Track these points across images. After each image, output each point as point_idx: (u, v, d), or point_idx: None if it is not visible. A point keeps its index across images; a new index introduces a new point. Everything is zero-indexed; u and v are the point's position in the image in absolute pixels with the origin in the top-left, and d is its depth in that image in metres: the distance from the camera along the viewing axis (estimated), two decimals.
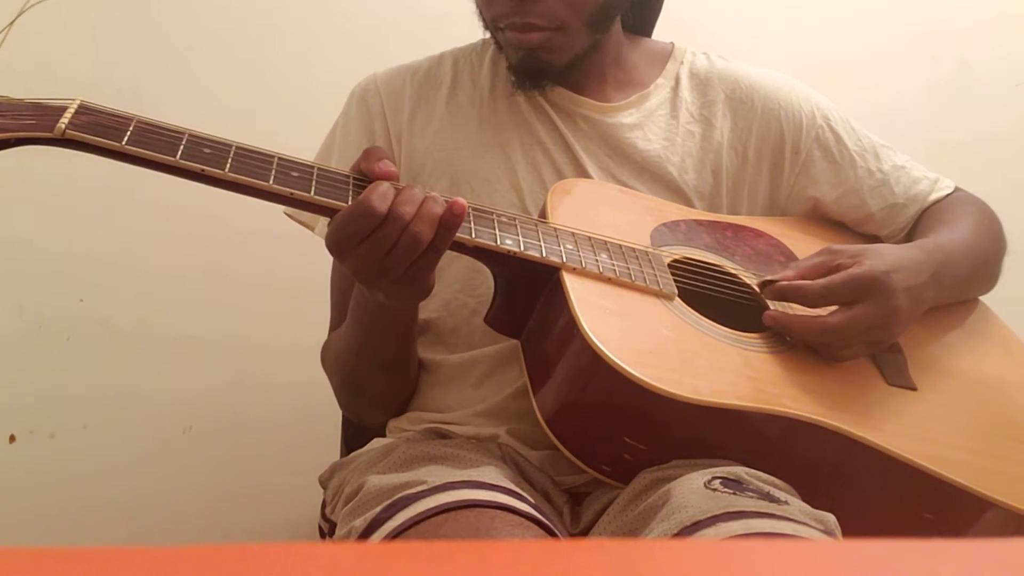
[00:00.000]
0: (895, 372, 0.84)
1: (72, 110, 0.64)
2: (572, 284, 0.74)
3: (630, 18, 0.98)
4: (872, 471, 0.76)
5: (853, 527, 0.68)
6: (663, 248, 0.84)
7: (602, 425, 0.74)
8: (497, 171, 0.90)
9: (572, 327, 0.71)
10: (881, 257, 0.80)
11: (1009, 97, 1.59)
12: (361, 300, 0.81)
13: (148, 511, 1.34)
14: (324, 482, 0.89)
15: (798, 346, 0.81)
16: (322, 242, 0.93)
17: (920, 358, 0.87)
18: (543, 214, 0.82)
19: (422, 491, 0.68)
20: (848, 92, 1.35)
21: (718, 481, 0.67)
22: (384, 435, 0.92)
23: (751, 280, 0.86)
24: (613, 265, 0.77)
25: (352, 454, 0.89)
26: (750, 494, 0.66)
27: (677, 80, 0.96)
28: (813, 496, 0.71)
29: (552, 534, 0.67)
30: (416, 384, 0.91)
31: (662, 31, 1.03)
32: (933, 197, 0.98)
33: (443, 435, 0.85)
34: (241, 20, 1.35)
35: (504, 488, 0.69)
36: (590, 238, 0.79)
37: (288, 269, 1.32)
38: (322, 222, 0.92)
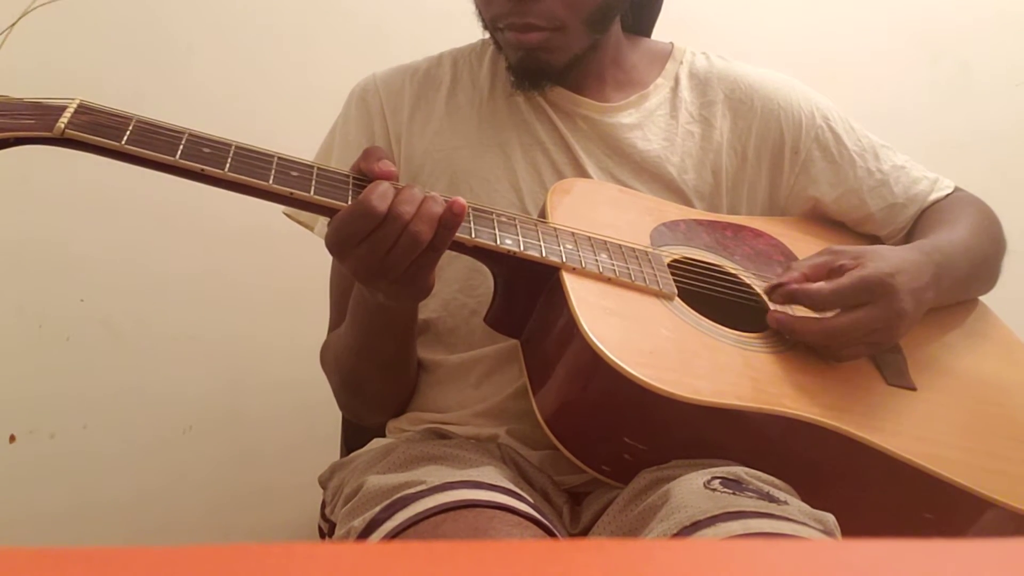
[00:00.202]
0: (895, 372, 0.84)
1: (71, 110, 0.64)
2: (572, 284, 0.74)
3: (629, 18, 0.98)
4: (872, 471, 0.76)
5: (853, 527, 0.68)
6: (663, 248, 0.84)
7: (602, 425, 0.74)
8: (496, 171, 0.90)
9: (572, 327, 0.71)
10: (885, 259, 0.80)
11: (1009, 97, 1.59)
12: (360, 300, 0.81)
13: (148, 511, 1.34)
14: (324, 482, 0.89)
15: (798, 346, 0.81)
16: (322, 242, 0.93)
17: (920, 358, 0.87)
18: (543, 214, 0.82)
19: (421, 491, 0.68)
20: (848, 92, 1.35)
21: (718, 481, 0.67)
22: (384, 435, 0.92)
23: (751, 280, 0.86)
24: (613, 265, 0.77)
25: (352, 454, 0.89)
26: (750, 494, 0.66)
27: (677, 80, 0.96)
28: (813, 496, 0.71)
29: (551, 534, 0.67)
30: (415, 384, 0.91)
31: (662, 31, 1.03)
32: (933, 197, 0.98)
33: (443, 435, 0.85)
34: (241, 20, 1.35)
35: (503, 488, 0.69)
36: (590, 238, 0.79)
37: (288, 269, 1.32)
38: (321, 222, 0.92)
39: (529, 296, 0.78)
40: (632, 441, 0.73)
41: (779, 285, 0.80)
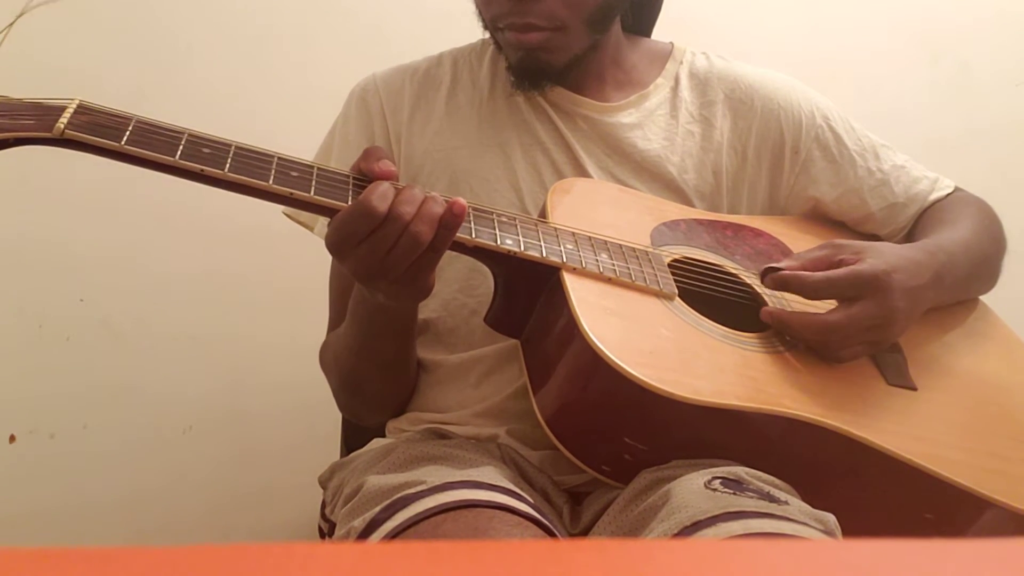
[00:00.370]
0: (895, 372, 0.84)
1: (71, 110, 0.63)
2: (572, 284, 0.74)
3: (629, 18, 0.98)
4: (872, 471, 0.76)
5: (853, 527, 0.68)
6: (663, 248, 0.84)
7: (602, 425, 0.74)
8: (496, 171, 0.90)
9: (572, 327, 0.71)
10: (883, 256, 0.80)
11: (1009, 97, 1.59)
12: (360, 300, 0.81)
13: (148, 511, 1.34)
14: (324, 482, 0.89)
15: (798, 346, 0.81)
16: (322, 242, 0.93)
17: (920, 358, 0.87)
18: (543, 214, 0.82)
19: (421, 491, 0.68)
20: (848, 92, 1.35)
21: (718, 481, 0.67)
22: (384, 435, 0.92)
23: (751, 280, 0.86)
24: (613, 265, 0.77)
25: (352, 454, 0.89)
26: (750, 494, 0.66)
27: (677, 80, 0.96)
28: (813, 496, 0.70)
29: (551, 534, 0.67)
30: (415, 384, 0.91)
31: (662, 31, 1.03)
32: (933, 197, 0.98)
33: (442, 435, 0.85)
34: (241, 19, 1.35)
35: (503, 488, 0.69)
36: (590, 238, 0.79)
37: (288, 268, 1.32)
38: (321, 222, 0.92)
39: (529, 296, 0.78)
40: (632, 441, 0.73)
41: (774, 269, 0.80)
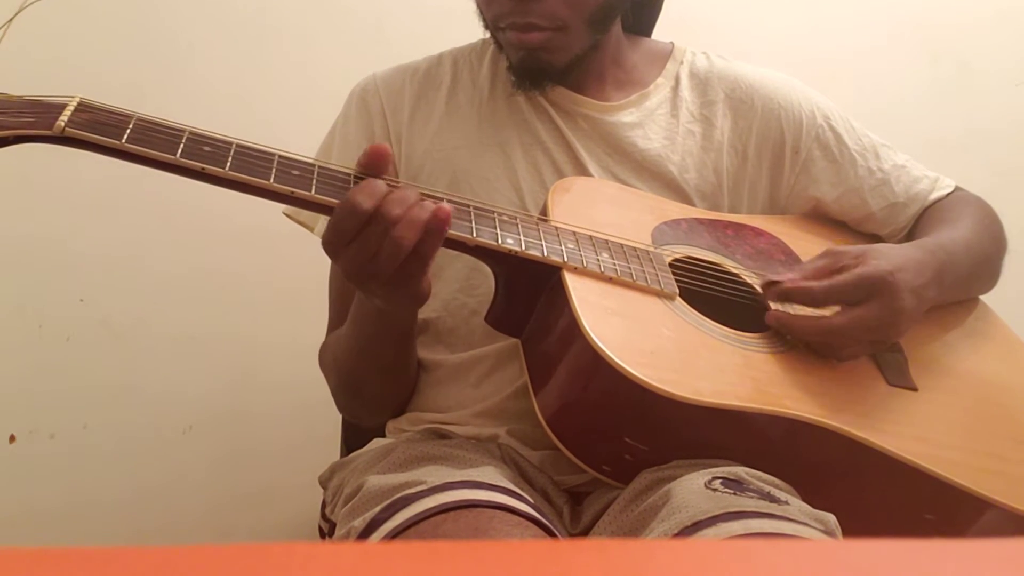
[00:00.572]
0: (896, 372, 0.84)
1: (71, 108, 0.63)
2: (573, 284, 0.74)
3: (630, 18, 0.98)
4: (872, 472, 0.76)
5: (853, 528, 0.68)
6: (664, 247, 0.84)
7: (603, 425, 0.74)
8: (497, 170, 0.90)
9: (573, 327, 0.71)
10: (885, 257, 0.80)
11: (1009, 97, 1.60)
12: (360, 303, 0.81)
13: (148, 510, 1.34)
14: (324, 482, 0.89)
15: (799, 346, 0.81)
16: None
17: (921, 358, 0.87)
18: (544, 213, 0.82)
19: (421, 491, 0.68)
20: (848, 91, 1.35)
21: (718, 481, 0.67)
22: (384, 435, 0.92)
23: (752, 279, 0.86)
24: (614, 264, 0.77)
25: (352, 454, 0.89)
26: (750, 494, 0.66)
27: (677, 80, 0.96)
28: (813, 497, 0.70)
29: (551, 534, 0.67)
30: (415, 385, 0.91)
31: (662, 31, 1.03)
32: (934, 196, 0.98)
33: (443, 435, 0.85)
34: (242, 18, 1.35)
35: (503, 488, 0.69)
36: (591, 237, 0.79)
37: (288, 268, 1.32)
38: (322, 222, 0.92)
39: (530, 295, 0.78)
40: (633, 441, 0.73)
41: (775, 283, 0.80)
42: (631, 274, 0.77)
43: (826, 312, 0.80)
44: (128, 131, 0.64)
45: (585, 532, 0.76)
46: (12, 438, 1.28)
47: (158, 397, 1.34)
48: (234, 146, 0.67)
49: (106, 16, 1.28)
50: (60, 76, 1.22)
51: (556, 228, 0.78)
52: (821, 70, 1.32)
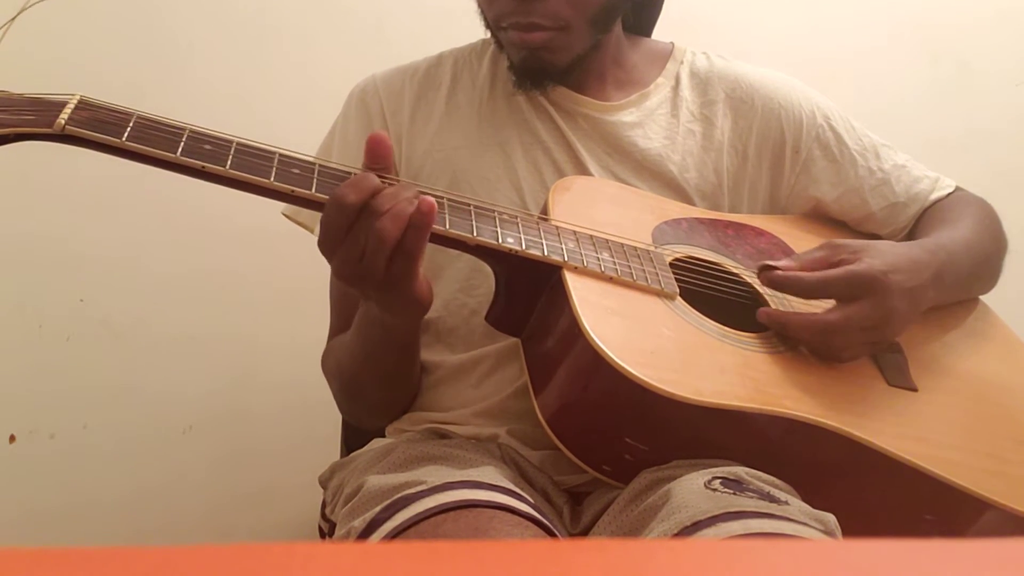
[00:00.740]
0: (896, 372, 0.84)
1: (72, 105, 0.63)
2: (574, 283, 0.74)
3: (630, 18, 0.98)
4: (872, 472, 0.76)
5: (853, 528, 0.68)
6: (665, 246, 0.84)
7: (603, 425, 0.74)
8: (497, 170, 0.90)
9: (574, 327, 0.71)
10: (882, 256, 0.80)
11: (1009, 97, 1.60)
12: (363, 311, 0.81)
13: (148, 510, 1.34)
14: (324, 482, 0.89)
15: (799, 347, 0.81)
16: None
17: (920, 358, 0.87)
18: (544, 212, 0.82)
19: (421, 491, 0.68)
20: (848, 92, 1.35)
21: (718, 481, 0.67)
22: (384, 435, 0.92)
23: (752, 279, 0.86)
24: (615, 264, 0.77)
25: (352, 454, 0.89)
26: (750, 494, 0.66)
27: (677, 79, 0.96)
28: (813, 497, 0.70)
29: (551, 534, 0.67)
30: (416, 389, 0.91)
31: (662, 31, 1.03)
32: (934, 196, 0.98)
33: (443, 435, 0.85)
34: (242, 17, 1.35)
35: (503, 488, 0.69)
36: (592, 236, 0.79)
37: (288, 268, 1.32)
38: None
39: (530, 295, 0.78)
40: (633, 441, 0.73)
41: (770, 267, 0.80)
42: (631, 274, 0.77)
43: (816, 308, 0.80)
44: (128, 129, 0.64)
45: (585, 532, 0.76)
46: (12, 438, 1.28)
47: (158, 397, 1.34)
48: (234, 144, 0.67)
49: (106, 16, 1.28)
50: (60, 76, 1.22)
51: (556, 227, 0.78)
52: (821, 70, 1.32)
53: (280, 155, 0.69)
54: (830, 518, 0.67)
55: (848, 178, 0.96)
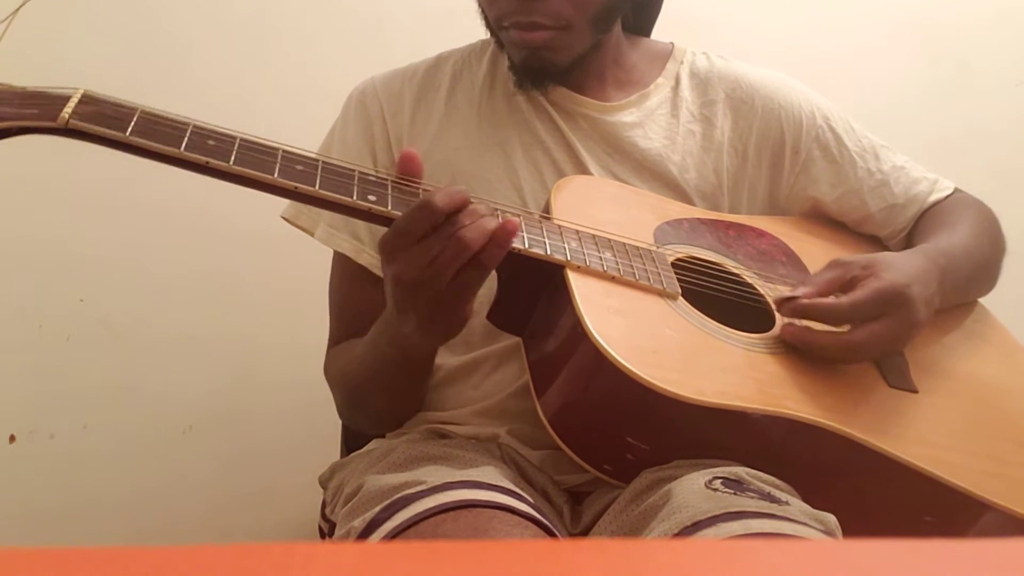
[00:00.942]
0: (896, 374, 0.84)
1: (76, 99, 0.63)
2: (576, 282, 0.74)
3: (629, 18, 0.98)
4: (873, 473, 0.76)
5: (853, 529, 0.68)
6: (667, 246, 0.84)
7: (605, 424, 0.74)
8: (497, 170, 0.90)
9: (576, 326, 0.71)
10: (897, 269, 0.79)
11: (1009, 97, 1.59)
12: (383, 330, 0.80)
13: (148, 510, 1.34)
14: (324, 482, 0.89)
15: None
16: (321, 243, 0.93)
17: (920, 360, 0.87)
18: (546, 211, 0.82)
19: (421, 491, 0.68)
20: (848, 92, 1.35)
21: (719, 481, 0.67)
22: (383, 436, 0.92)
23: (753, 280, 0.86)
24: (617, 263, 0.77)
25: (352, 454, 0.89)
26: (751, 494, 0.66)
27: (677, 80, 0.96)
28: (813, 497, 0.70)
29: (552, 534, 0.67)
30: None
31: (662, 31, 1.03)
32: (932, 198, 0.98)
33: (443, 435, 0.85)
34: (242, 17, 1.35)
35: (503, 488, 0.69)
36: (594, 236, 0.79)
37: (289, 268, 1.32)
38: (322, 226, 0.92)
39: (532, 293, 0.78)
40: (635, 440, 0.73)
41: (791, 299, 0.79)
42: (634, 273, 0.77)
43: (842, 327, 0.80)
44: (132, 124, 0.63)
45: (585, 532, 0.76)
46: (12, 438, 1.28)
47: (158, 397, 1.34)
48: (238, 140, 0.67)
49: (106, 16, 1.28)
50: (59, 77, 1.21)
51: (559, 226, 0.78)
52: (821, 70, 1.31)
53: (284, 151, 0.68)
54: (830, 518, 0.67)
55: (847, 179, 0.96)
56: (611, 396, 0.72)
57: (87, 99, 0.63)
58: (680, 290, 0.79)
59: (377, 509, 0.69)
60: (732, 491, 0.66)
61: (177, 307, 1.34)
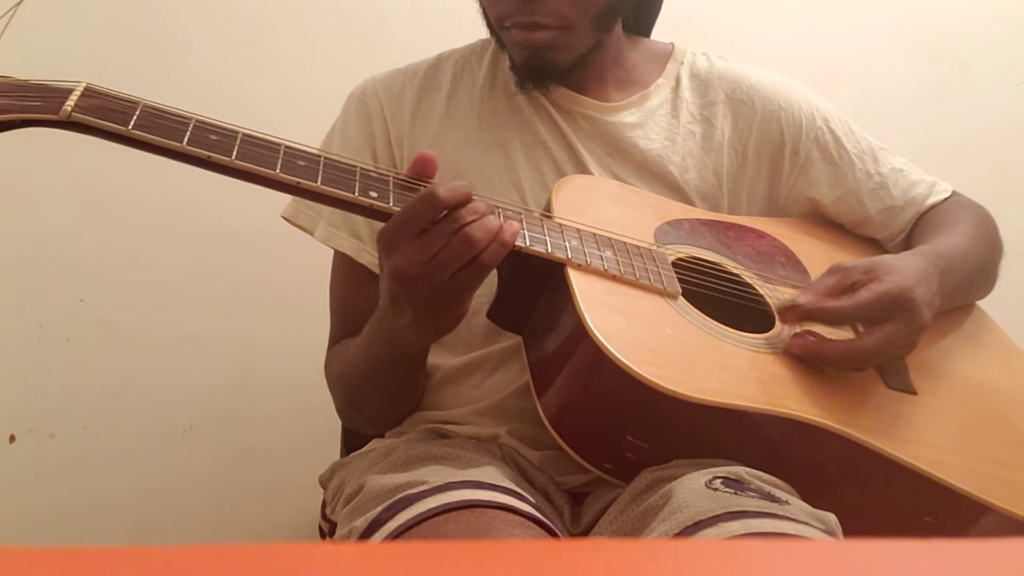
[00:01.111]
0: (895, 376, 0.84)
1: (78, 92, 0.62)
2: (577, 281, 0.74)
3: (629, 18, 0.98)
4: (872, 474, 0.76)
5: (853, 530, 0.68)
6: (667, 246, 0.84)
7: (605, 423, 0.74)
8: (498, 170, 0.90)
9: (577, 325, 0.71)
10: (899, 272, 0.79)
11: (1009, 97, 1.60)
12: (375, 328, 0.80)
13: (148, 510, 1.34)
14: (324, 482, 0.89)
15: None
16: (321, 244, 0.93)
17: (919, 362, 0.87)
18: (547, 210, 0.82)
19: (423, 491, 0.68)
20: (848, 92, 1.35)
21: (719, 481, 0.67)
22: (383, 436, 0.92)
23: (753, 280, 0.86)
24: (618, 262, 0.77)
25: (352, 454, 0.89)
26: (751, 494, 0.66)
27: (678, 80, 0.96)
28: (813, 498, 0.70)
29: (553, 534, 0.67)
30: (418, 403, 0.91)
31: (662, 31, 1.03)
32: (931, 201, 0.98)
33: (443, 435, 0.85)
34: (242, 18, 1.35)
35: (505, 488, 0.69)
36: (595, 234, 0.79)
37: (289, 269, 1.32)
38: (322, 225, 0.92)
39: (533, 292, 0.78)
40: (635, 440, 0.73)
41: (794, 306, 0.79)
42: (635, 272, 0.77)
43: (843, 333, 0.80)
44: (135, 117, 0.63)
45: (586, 532, 0.76)
46: (12, 438, 1.28)
47: (158, 397, 1.34)
48: (240, 135, 0.67)
49: (107, 18, 1.28)
50: (59, 76, 1.22)
51: (560, 225, 0.78)
52: (821, 71, 1.32)
53: (286, 147, 0.68)
54: (831, 518, 0.67)
55: (846, 180, 0.96)
56: (611, 395, 0.72)
57: (90, 92, 0.63)
58: (680, 290, 0.79)
59: (379, 509, 0.68)
60: (733, 491, 0.66)
61: (177, 307, 1.34)
